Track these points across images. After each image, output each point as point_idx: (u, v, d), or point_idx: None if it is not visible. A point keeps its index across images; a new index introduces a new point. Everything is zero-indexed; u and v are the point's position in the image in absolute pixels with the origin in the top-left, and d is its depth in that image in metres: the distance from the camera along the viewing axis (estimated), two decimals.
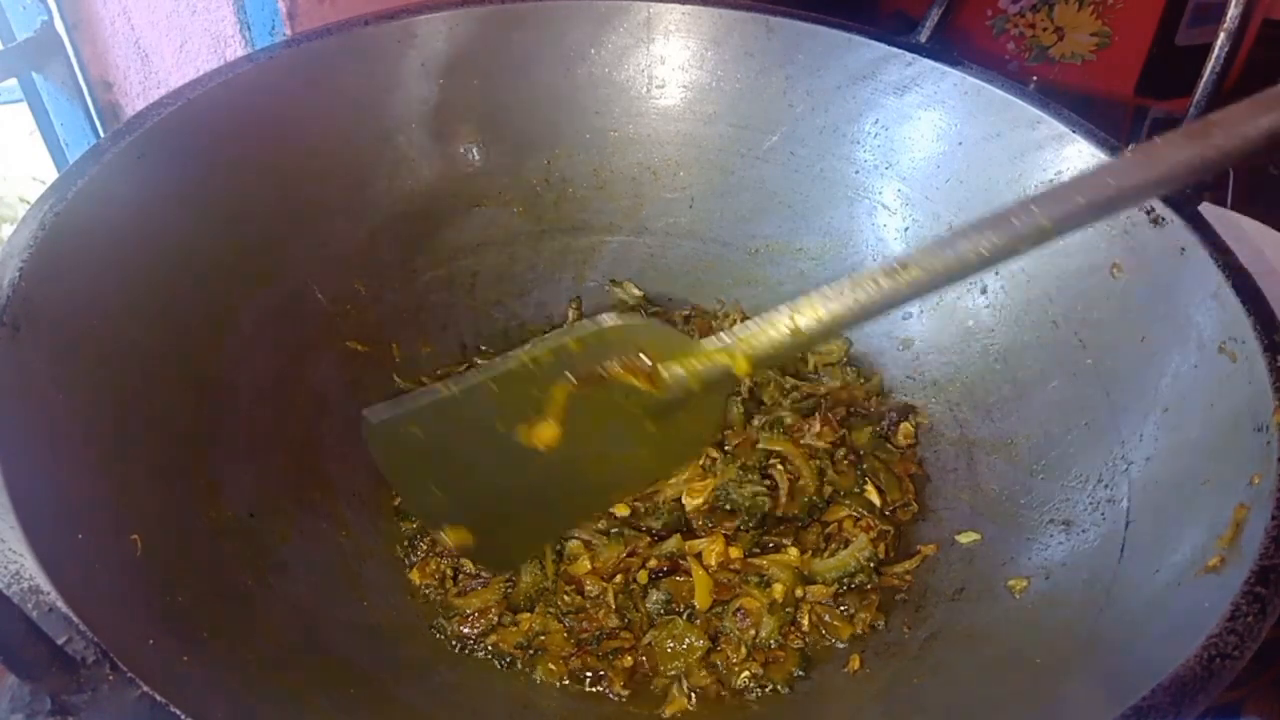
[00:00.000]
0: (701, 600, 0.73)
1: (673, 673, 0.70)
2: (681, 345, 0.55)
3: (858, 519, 0.79)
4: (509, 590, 0.74)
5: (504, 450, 0.56)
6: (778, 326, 0.53)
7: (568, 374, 0.54)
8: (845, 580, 0.75)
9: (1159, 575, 0.57)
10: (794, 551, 0.76)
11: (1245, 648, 0.47)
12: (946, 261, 0.50)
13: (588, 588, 0.74)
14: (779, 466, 0.80)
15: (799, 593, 0.74)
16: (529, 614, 0.73)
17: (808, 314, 0.52)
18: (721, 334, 0.55)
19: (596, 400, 0.55)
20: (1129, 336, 0.71)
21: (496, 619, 0.73)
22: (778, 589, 0.73)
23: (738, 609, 0.73)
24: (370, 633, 0.69)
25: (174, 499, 0.63)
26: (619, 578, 0.74)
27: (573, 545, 0.76)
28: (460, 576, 0.76)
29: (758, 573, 0.75)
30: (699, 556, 0.75)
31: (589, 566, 0.75)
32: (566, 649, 0.71)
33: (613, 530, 0.77)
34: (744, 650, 0.71)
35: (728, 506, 0.78)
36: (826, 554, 0.77)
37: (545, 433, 0.55)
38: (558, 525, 0.70)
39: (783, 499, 0.79)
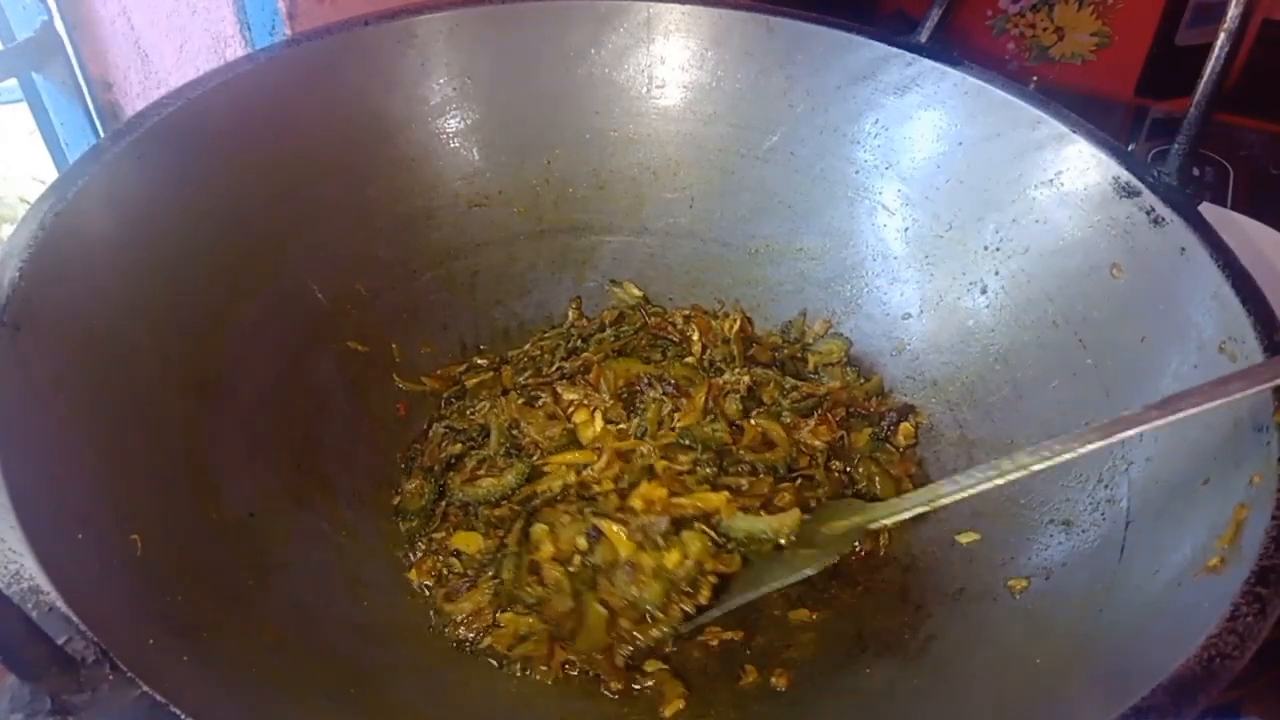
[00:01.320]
0: (625, 549, 0.72)
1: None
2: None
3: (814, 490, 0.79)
4: (498, 588, 0.74)
5: None
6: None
7: None
8: (750, 543, 0.74)
9: (1159, 575, 0.57)
10: (723, 495, 0.75)
11: (1245, 648, 0.47)
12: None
13: (545, 576, 0.73)
14: (751, 423, 0.82)
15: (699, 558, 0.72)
16: (511, 614, 0.72)
17: None
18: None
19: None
20: (1129, 336, 0.71)
21: (492, 619, 0.73)
22: (673, 556, 0.71)
23: (628, 563, 0.71)
24: (370, 633, 0.69)
25: (174, 499, 0.63)
26: (576, 558, 0.73)
27: (537, 530, 0.75)
28: (450, 577, 0.75)
29: (675, 516, 0.73)
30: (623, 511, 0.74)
31: (552, 549, 0.74)
32: (547, 646, 0.71)
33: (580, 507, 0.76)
34: (631, 609, 0.71)
35: (686, 441, 0.79)
36: (752, 512, 0.75)
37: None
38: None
39: (745, 440, 0.79)
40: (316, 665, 0.62)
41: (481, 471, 0.81)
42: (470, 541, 0.77)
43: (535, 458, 0.82)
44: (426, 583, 0.75)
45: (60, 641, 0.44)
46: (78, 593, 0.47)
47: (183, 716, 0.43)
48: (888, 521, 0.73)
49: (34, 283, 0.59)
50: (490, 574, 0.75)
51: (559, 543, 0.74)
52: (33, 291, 0.58)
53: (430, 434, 0.86)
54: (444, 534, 0.78)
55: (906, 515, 0.72)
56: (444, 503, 0.80)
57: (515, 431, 0.84)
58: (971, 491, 0.67)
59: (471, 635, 0.72)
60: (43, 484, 0.53)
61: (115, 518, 0.57)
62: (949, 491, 0.68)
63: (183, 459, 0.66)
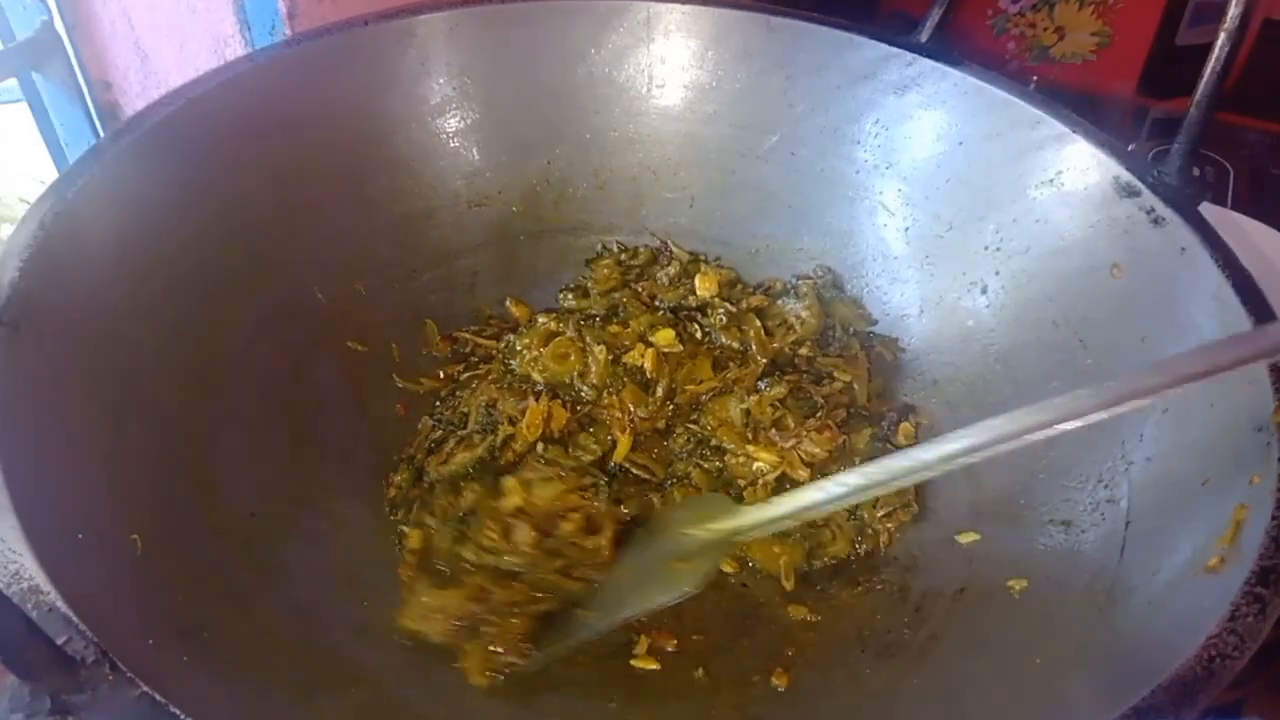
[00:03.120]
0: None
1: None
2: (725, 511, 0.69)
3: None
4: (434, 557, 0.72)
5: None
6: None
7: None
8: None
9: (1159, 575, 0.57)
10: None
11: (1245, 648, 0.47)
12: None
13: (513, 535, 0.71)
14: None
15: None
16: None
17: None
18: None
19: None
20: (1129, 336, 0.71)
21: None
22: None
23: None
24: (370, 633, 0.69)
25: (174, 499, 0.63)
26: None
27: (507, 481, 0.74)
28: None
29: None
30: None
31: (519, 500, 0.72)
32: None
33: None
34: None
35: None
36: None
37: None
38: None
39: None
40: (316, 665, 0.62)
41: (458, 451, 0.80)
42: (417, 539, 0.75)
43: (506, 425, 0.80)
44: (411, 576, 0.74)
45: (60, 641, 0.44)
46: (77, 592, 0.47)
47: (182, 716, 0.43)
48: (752, 532, 0.67)
49: (34, 283, 0.59)
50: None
51: (530, 496, 0.72)
52: (33, 291, 0.58)
53: (419, 427, 0.85)
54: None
55: (778, 519, 0.64)
56: (417, 487, 0.79)
57: (492, 410, 0.82)
58: (849, 489, 0.59)
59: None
60: (43, 484, 0.53)
61: (115, 518, 0.57)
62: (815, 500, 0.61)
63: (183, 459, 0.66)
